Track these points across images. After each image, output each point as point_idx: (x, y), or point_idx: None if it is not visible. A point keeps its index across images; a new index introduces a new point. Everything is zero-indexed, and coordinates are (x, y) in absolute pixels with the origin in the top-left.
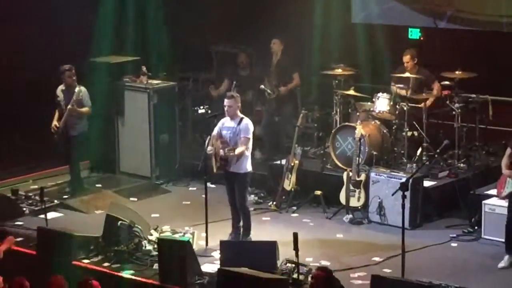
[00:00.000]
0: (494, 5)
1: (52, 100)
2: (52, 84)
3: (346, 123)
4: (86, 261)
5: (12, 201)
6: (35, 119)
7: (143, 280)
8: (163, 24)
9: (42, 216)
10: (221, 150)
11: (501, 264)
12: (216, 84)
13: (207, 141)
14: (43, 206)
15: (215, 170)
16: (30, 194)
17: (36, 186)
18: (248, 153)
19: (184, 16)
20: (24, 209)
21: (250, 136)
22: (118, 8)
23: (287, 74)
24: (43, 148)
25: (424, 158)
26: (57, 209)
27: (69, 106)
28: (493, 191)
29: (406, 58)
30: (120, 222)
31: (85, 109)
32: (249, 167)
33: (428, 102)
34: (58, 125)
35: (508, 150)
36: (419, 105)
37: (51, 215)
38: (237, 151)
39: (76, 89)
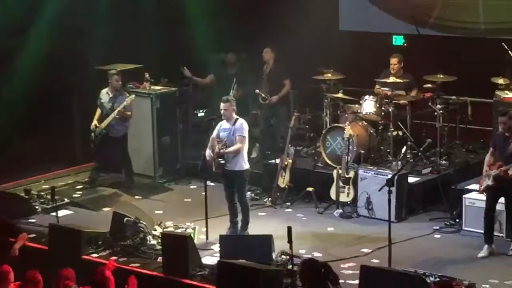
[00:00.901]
0: (473, 13)
1: (64, 104)
2: (64, 88)
3: (336, 124)
4: (94, 255)
5: (26, 200)
6: (47, 124)
7: (148, 272)
8: (165, 34)
9: (54, 213)
10: (216, 147)
11: (481, 254)
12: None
13: (209, 144)
14: (54, 205)
15: (214, 169)
16: (42, 193)
17: (47, 186)
18: (244, 152)
19: (186, 25)
20: (37, 207)
21: (245, 135)
22: (125, 19)
23: (278, 82)
24: (54, 150)
25: (408, 156)
26: (67, 207)
27: (119, 108)
28: (473, 186)
29: (394, 61)
30: (126, 218)
31: (129, 113)
32: (245, 165)
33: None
34: (97, 125)
35: (491, 149)
36: (401, 102)
37: (62, 212)
38: (231, 148)
39: (130, 96)
